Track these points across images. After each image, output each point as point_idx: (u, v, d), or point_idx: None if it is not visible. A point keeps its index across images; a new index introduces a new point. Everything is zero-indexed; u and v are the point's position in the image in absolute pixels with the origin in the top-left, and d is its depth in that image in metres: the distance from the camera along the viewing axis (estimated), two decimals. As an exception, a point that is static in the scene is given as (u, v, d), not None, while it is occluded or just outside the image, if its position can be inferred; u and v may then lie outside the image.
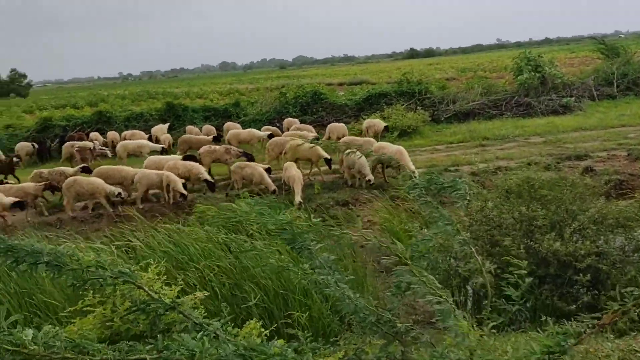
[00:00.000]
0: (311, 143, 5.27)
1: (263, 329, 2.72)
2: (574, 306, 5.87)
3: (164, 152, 16.18)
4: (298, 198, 11.39)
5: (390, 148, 12.83)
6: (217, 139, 17.24)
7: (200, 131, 19.56)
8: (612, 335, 3.66)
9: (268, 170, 12.98)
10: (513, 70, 25.44)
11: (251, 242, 6.74)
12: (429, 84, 25.76)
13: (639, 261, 6.30)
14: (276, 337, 2.54)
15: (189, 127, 20.20)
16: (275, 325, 5.48)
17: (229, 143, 16.65)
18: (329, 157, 13.26)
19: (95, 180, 12.39)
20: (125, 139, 19.12)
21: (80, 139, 19.16)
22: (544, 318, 3.96)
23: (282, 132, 17.99)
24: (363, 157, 12.92)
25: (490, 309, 2.90)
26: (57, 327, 2.87)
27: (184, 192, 12.24)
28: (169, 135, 19.50)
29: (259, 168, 12.76)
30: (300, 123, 19.23)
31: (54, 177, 13.31)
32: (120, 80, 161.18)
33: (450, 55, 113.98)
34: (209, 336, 2.37)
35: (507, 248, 6.13)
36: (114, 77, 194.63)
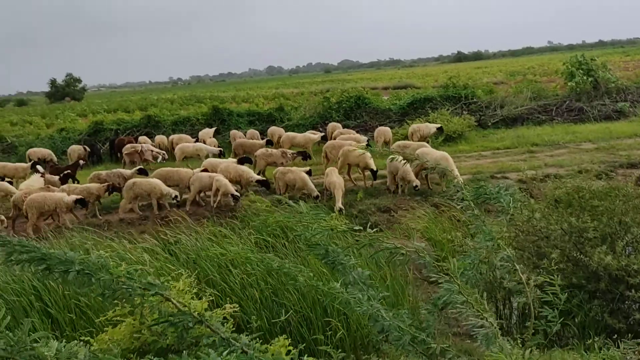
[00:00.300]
0: (365, 149, 5.19)
1: (291, 348, 2.63)
2: (626, 324, 5.56)
3: (221, 155, 16.38)
4: (339, 204, 11.30)
5: (435, 154, 12.58)
6: (270, 144, 17.36)
7: (244, 135, 19.77)
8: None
9: (308, 173, 12.99)
10: (564, 74, 24.62)
11: (280, 257, 6.61)
12: (476, 88, 25.24)
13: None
14: (306, 355, 2.47)
15: (233, 132, 20.45)
16: (313, 336, 5.38)
17: (281, 146, 16.88)
18: (375, 169, 12.99)
19: (153, 182, 12.73)
20: (172, 143, 19.62)
21: (130, 143, 19.68)
22: (592, 339, 3.73)
23: (326, 137, 17.97)
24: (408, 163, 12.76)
25: (533, 330, 2.74)
26: (82, 341, 2.88)
27: (236, 193, 12.28)
28: (214, 139, 19.80)
29: (301, 173, 12.74)
30: (344, 128, 19.14)
31: (111, 178, 13.71)
32: (170, 84, 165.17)
33: (499, 58, 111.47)
34: (235, 352, 2.32)
35: (555, 261, 5.85)
36: (164, 81, 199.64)
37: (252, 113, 24.67)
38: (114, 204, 13.38)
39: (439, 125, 17.75)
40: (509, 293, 6.26)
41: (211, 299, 3.19)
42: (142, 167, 14.93)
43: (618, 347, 3.21)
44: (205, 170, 13.64)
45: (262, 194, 13.41)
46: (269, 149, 15.59)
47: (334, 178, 12.06)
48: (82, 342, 3.03)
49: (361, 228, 3.18)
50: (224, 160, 14.79)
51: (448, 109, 21.16)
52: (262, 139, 18.63)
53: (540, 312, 2.54)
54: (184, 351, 2.07)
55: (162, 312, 2.41)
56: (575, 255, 6.11)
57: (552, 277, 2.50)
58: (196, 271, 6.09)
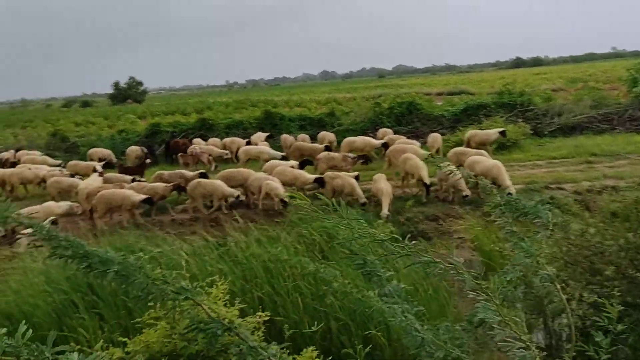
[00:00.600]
0: (427, 158, 5.11)
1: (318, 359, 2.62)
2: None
3: (284, 158, 16.58)
4: (385, 211, 11.19)
5: (486, 162, 12.28)
6: (328, 149, 17.43)
7: (295, 140, 19.93)
8: None
9: (356, 178, 12.97)
10: (627, 81, 23.53)
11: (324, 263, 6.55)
12: (533, 95, 24.49)
13: None
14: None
15: (284, 136, 20.66)
16: (353, 347, 5.31)
17: (330, 150, 16.97)
18: (428, 182, 12.59)
19: (216, 183, 13.06)
20: (225, 145, 20.07)
21: (184, 145, 20.24)
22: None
23: (387, 144, 17.85)
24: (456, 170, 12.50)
25: (574, 354, 2.62)
26: (119, 341, 2.95)
27: (285, 198, 12.40)
28: (266, 142, 20.08)
29: (350, 179, 12.72)
30: (394, 134, 18.98)
31: (173, 178, 14.16)
32: (226, 88, 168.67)
33: (560, 64, 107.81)
34: (262, 361, 2.32)
35: (609, 278, 5.57)
36: (221, 85, 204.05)
37: (303, 118, 24.85)
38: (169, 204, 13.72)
39: (501, 129, 17.26)
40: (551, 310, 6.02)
41: (243, 306, 3.20)
42: (203, 170, 15.23)
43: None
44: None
45: (310, 199, 13.51)
46: (330, 153, 15.69)
47: (382, 185, 11.97)
48: (118, 343, 3.13)
49: (399, 237, 3.12)
50: (286, 163, 14.96)
51: (502, 116, 20.62)
52: (329, 144, 18.77)
53: (589, 332, 2.42)
54: (211, 357, 2.08)
55: (192, 317, 2.44)
56: (631, 272, 5.81)
57: (605, 297, 2.37)
58: (242, 272, 6.15)
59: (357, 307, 2.52)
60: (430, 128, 21.16)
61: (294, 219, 10.52)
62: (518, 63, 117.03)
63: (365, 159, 15.44)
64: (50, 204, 12.48)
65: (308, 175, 13.57)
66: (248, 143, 20.09)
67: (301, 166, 14.58)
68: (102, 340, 3.04)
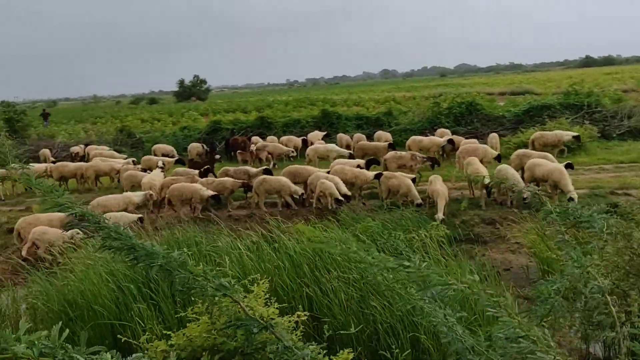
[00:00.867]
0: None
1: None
2: None
3: (351, 156, 16.62)
4: (440, 214, 10.98)
5: (547, 166, 11.83)
6: (392, 147, 17.36)
7: (351, 139, 19.93)
8: None
9: (413, 181, 12.80)
10: None
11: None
12: (602, 95, 23.38)
13: None
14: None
15: (340, 135, 20.69)
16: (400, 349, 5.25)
17: (393, 148, 16.86)
18: (489, 183, 12.06)
19: (282, 179, 13.28)
20: (281, 144, 20.33)
21: (243, 142, 20.63)
22: None
23: (453, 141, 17.57)
24: (516, 173, 12.12)
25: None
26: (164, 335, 3.04)
27: (340, 197, 12.42)
28: (322, 141, 20.18)
29: (406, 180, 12.58)
30: (453, 134, 18.63)
31: (238, 175, 14.46)
32: (286, 86, 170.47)
33: (633, 64, 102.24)
34: (296, 360, 2.34)
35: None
36: (281, 83, 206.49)
37: (359, 117, 24.79)
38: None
39: (575, 134, 16.44)
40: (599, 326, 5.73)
41: (283, 305, 3.23)
42: (267, 167, 15.51)
43: None
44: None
45: (365, 198, 13.46)
46: (398, 152, 15.59)
47: (438, 186, 11.76)
48: (163, 335, 3.23)
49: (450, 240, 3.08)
50: (354, 161, 14.95)
51: (567, 118, 19.82)
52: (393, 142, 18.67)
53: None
54: (247, 354, 2.12)
55: (230, 314, 2.49)
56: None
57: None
58: (291, 270, 6.20)
59: (400, 304, 2.51)
60: (491, 129, 20.60)
61: (347, 219, 10.53)
62: (588, 62, 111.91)
63: (433, 161, 15.16)
64: (129, 194, 13.12)
65: (369, 174, 13.51)
66: (304, 142, 20.29)
67: (367, 165, 14.57)
68: (147, 334, 3.16)
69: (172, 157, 20.27)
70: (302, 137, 20.96)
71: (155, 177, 14.69)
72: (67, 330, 1.78)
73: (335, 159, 16.06)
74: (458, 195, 13.00)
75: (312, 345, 2.58)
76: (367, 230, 8.80)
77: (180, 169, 16.25)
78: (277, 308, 2.87)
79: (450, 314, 2.97)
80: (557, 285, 2.77)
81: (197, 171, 15.21)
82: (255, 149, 19.43)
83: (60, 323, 1.80)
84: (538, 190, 3.05)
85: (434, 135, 19.23)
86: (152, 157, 19.13)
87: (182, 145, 22.70)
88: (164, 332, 3.10)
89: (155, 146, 21.62)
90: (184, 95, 76.22)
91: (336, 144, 19.43)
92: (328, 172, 13.62)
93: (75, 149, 22.05)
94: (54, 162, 18.66)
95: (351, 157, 16.54)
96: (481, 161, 13.57)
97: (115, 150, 21.63)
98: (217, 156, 19.21)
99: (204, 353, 2.65)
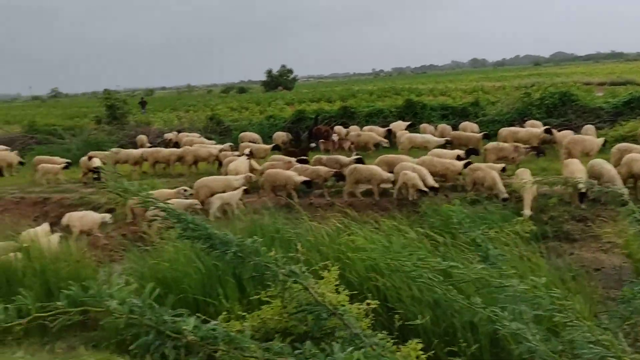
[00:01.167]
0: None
1: (420, 353, 2.61)
2: None
3: (446, 145, 16.38)
4: (527, 211, 10.50)
5: (647, 162, 11.03)
6: (487, 137, 16.95)
7: (435, 130, 19.54)
8: None
9: (503, 170, 12.45)
10: None
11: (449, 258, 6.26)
12: None
13: None
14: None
15: (423, 126, 20.33)
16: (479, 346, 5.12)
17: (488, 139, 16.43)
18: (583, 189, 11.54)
19: (373, 168, 13.34)
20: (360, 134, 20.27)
21: (326, 132, 20.82)
22: None
23: (550, 130, 16.86)
24: (612, 169, 11.35)
25: None
26: (240, 315, 3.18)
27: (424, 188, 12.26)
28: (406, 132, 19.94)
29: (492, 172, 12.19)
30: (544, 126, 17.75)
31: (330, 163, 14.67)
32: (372, 76, 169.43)
33: None
34: (364, 349, 2.38)
35: None
36: (367, 72, 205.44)
37: (445, 107, 24.21)
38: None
39: None
40: None
41: (354, 292, 3.27)
42: (359, 155, 15.51)
43: None
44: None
45: (447, 190, 13.18)
46: (500, 143, 15.17)
47: (526, 180, 11.30)
48: (238, 316, 3.38)
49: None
50: (452, 152, 14.72)
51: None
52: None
53: None
54: (308, 342, 2.18)
55: (301, 300, 2.58)
56: None
57: None
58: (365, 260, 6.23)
59: (463, 312, 2.47)
60: (586, 121, 19.42)
61: (428, 211, 10.39)
62: None
63: (538, 150, 14.58)
64: (230, 177, 13.74)
65: (459, 165, 13.22)
66: (389, 132, 20.11)
67: (467, 155, 14.30)
68: (225, 313, 3.33)
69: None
70: (386, 128, 20.77)
71: (241, 164, 15.21)
72: (157, 290, 1.93)
73: (430, 149, 15.78)
74: (547, 191, 12.41)
75: (381, 333, 2.61)
76: (448, 220, 8.56)
77: (277, 155, 16.63)
78: (347, 295, 2.92)
79: (526, 311, 2.89)
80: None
81: (293, 158, 15.48)
82: (338, 138, 19.54)
83: (152, 284, 1.96)
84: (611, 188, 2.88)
85: (522, 127, 18.45)
86: (250, 143, 19.47)
87: (267, 133, 23.19)
88: (239, 313, 3.25)
89: (242, 134, 22.26)
90: (271, 85, 77.78)
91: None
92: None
93: (169, 135, 23.18)
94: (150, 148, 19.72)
95: (447, 147, 16.19)
96: (587, 154, 12.88)
97: (205, 137, 22.50)
98: (313, 144, 19.41)
99: (276, 335, 2.76)
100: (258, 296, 3.21)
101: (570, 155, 13.44)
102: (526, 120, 19.29)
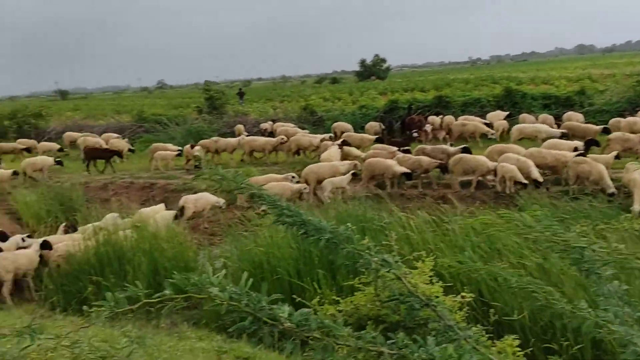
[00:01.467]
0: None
1: (517, 349, 2.52)
2: None
3: (564, 136, 15.64)
4: (637, 206, 9.79)
5: None
6: (607, 131, 15.97)
7: (536, 120, 18.60)
8: None
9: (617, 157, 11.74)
10: None
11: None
12: None
13: None
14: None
15: (523, 116, 19.41)
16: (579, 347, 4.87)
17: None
18: None
19: (480, 159, 13.03)
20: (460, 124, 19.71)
21: (419, 122, 20.49)
22: None
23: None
24: None
25: None
26: (333, 300, 3.24)
27: (524, 181, 11.79)
28: (504, 122, 19.19)
29: (599, 166, 11.46)
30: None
31: (435, 153, 14.42)
32: (468, 64, 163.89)
33: None
34: (457, 341, 2.35)
35: None
36: (463, 61, 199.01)
37: (547, 96, 22.93)
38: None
39: None
40: None
41: (448, 284, 3.22)
42: (466, 145, 15.06)
43: None
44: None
45: (549, 183, 12.54)
46: (626, 134, 14.29)
47: (636, 175, 10.51)
48: (332, 301, 3.45)
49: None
50: (569, 143, 14.09)
51: None
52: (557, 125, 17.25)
53: None
54: (400, 333, 2.18)
55: (393, 289, 2.58)
56: None
57: None
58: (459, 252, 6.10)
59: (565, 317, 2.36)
60: None
61: (527, 205, 9.96)
62: None
63: None
64: (336, 163, 14.10)
65: (570, 156, 12.53)
66: (487, 124, 19.38)
67: (587, 146, 13.65)
68: (318, 297, 3.42)
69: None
70: (482, 119, 20.04)
71: (333, 153, 15.38)
72: (252, 280, 2.03)
73: (544, 140, 15.07)
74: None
75: (476, 327, 2.56)
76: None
77: (379, 144, 16.61)
78: (440, 287, 2.89)
79: (629, 313, 2.72)
80: None
81: (395, 148, 15.36)
82: (432, 128, 19.15)
83: (247, 274, 2.06)
84: None
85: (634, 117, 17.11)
86: (352, 134, 19.61)
87: (360, 123, 23.20)
88: (334, 297, 3.32)
89: (335, 124, 22.44)
90: (364, 75, 77.47)
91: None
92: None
93: (264, 125, 23.86)
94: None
95: (564, 136, 15.41)
96: None
97: (298, 127, 22.91)
98: (415, 134, 19.13)
99: (369, 322, 2.79)
100: (351, 282, 3.25)
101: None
102: (638, 111, 17.87)
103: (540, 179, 11.88)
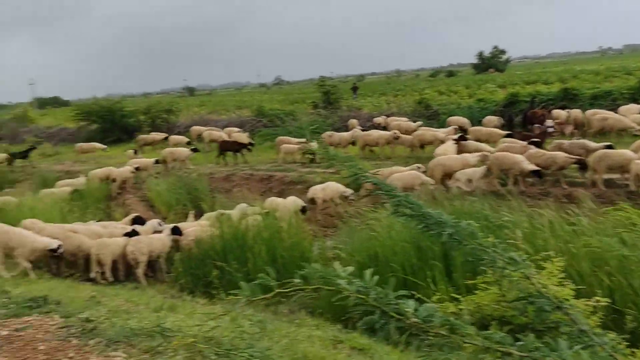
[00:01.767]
0: None
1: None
2: None
3: None
4: None
5: None
6: None
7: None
8: None
9: None
10: None
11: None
12: None
13: None
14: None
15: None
16: None
17: None
18: None
19: (627, 154, 11.98)
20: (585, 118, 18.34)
21: (542, 116, 19.32)
22: None
23: None
24: None
25: None
26: (452, 297, 3.18)
27: None
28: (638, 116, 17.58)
29: None
30: None
31: (573, 149, 13.47)
32: (598, 54, 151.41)
33: None
34: (592, 348, 2.22)
35: None
36: (592, 51, 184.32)
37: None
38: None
39: None
40: None
41: (580, 287, 3.02)
42: (610, 143, 13.83)
43: None
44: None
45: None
46: None
47: None
48: (451, 298, 3.39)
49: None
50: None
51: None
52: None
53: None
54: (530, 334, 2.10)
55: (521, 289, 2.48)
56: None
57: None
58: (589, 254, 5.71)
59: None
60: None
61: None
62: None
63: None
64: (466, 155, 13.86)
65: None
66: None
67: None
68: (438, 294, 3.37)
69: (465, 130, 20.06)
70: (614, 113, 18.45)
71: (449, 147, 15.01)
72: (377, 277, 2.06)
73: None
74: None
75: (611, 333, 2.40)
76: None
77: (508, 139, 15.98)
78: (572, 289, 2.73)
79: None
80: None
81: (525, 142, 14.51)
82: (557, 122, 17.92)
83: (372, 270, 2.09)
84: None
85: None
86: (482, 128, 19.08)
87: (477, 117, 22.40)
88: (453, 295, 3.26)
89: (450, 118, 21.87)
90: (481, 67, 74.73)
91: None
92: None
93: (378, 119, 23.83)
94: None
95: None
96: None
97: (412, 121, 22.60)
98: (550, 128, 17.98)
99: (492, 322, 2.71)
100: (475, 281, 3.16)
101: None
102: None
103: None
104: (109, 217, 13.76)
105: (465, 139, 16.23)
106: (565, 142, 13.98)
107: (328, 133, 20.26)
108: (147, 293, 7.71)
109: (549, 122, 18.22)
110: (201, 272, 8.56)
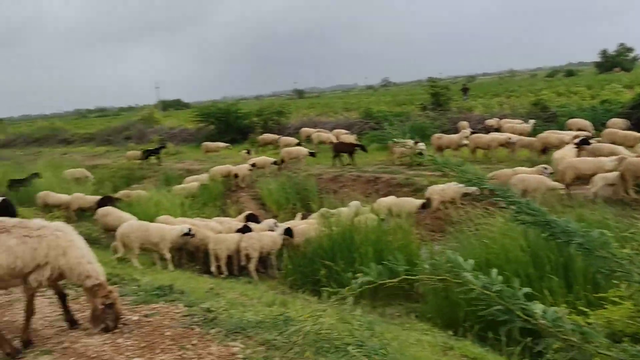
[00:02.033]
0: None
1: None
2: None
3: None
4: None
5: None
6: None
7: None
8: None
9: None
10: None
11: None
12: None
13: None
14: None
15: None
16: None
17: None
18: None
19: None
20: None
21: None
22: None
23: None
24: None
25: None
26: (579, 310, 3.01)
27: None
28: None
29: None
30: None
31: None
32: None
33: None
34: None
35: None
36: None
37: None
38: None
39: None
40: None
41: None
42: None
43: None
44: None
45: None
46: None
47: None
48: (579, 311, 3.20)
49: None
50: None
51: None
52: None
53: None
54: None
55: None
56: None
57: None
58: None
59: None
60: None
61: None
62: None
63: None
64: (602, 158, 12.86)
65: None
66: None
67: None
68: (564, 305, 3.18)
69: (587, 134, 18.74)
70: None
71: (568, 152, 14.13)
72: (501, 278, 2.01)
73: None
74: None
75: None
76: None
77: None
78: None
79: None
80: None
81: None
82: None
83: (496, 270, 2.05)
84: None
85: None
86: (619, 131, 17.48)
87: (600, 120, 20.84)
88: (581, 308, 3.07)
89: (570, 120, 20.57)
90: (605, 66, 69.48)
91: None
92: None
93: (490, 121, 22.95)
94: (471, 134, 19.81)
95: None
96: None
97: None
98: None
99: (624, 338, 2.52)
100: (606, 294, 2.96)
101: None
102: None
103: None
104: (224, 214, 14.54)
105: (588, 143, 15.14)
106: None
107: (437, 135, 19.87)
108: (260, 288, 8.05)
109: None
110: (309, 270, 8.77)
